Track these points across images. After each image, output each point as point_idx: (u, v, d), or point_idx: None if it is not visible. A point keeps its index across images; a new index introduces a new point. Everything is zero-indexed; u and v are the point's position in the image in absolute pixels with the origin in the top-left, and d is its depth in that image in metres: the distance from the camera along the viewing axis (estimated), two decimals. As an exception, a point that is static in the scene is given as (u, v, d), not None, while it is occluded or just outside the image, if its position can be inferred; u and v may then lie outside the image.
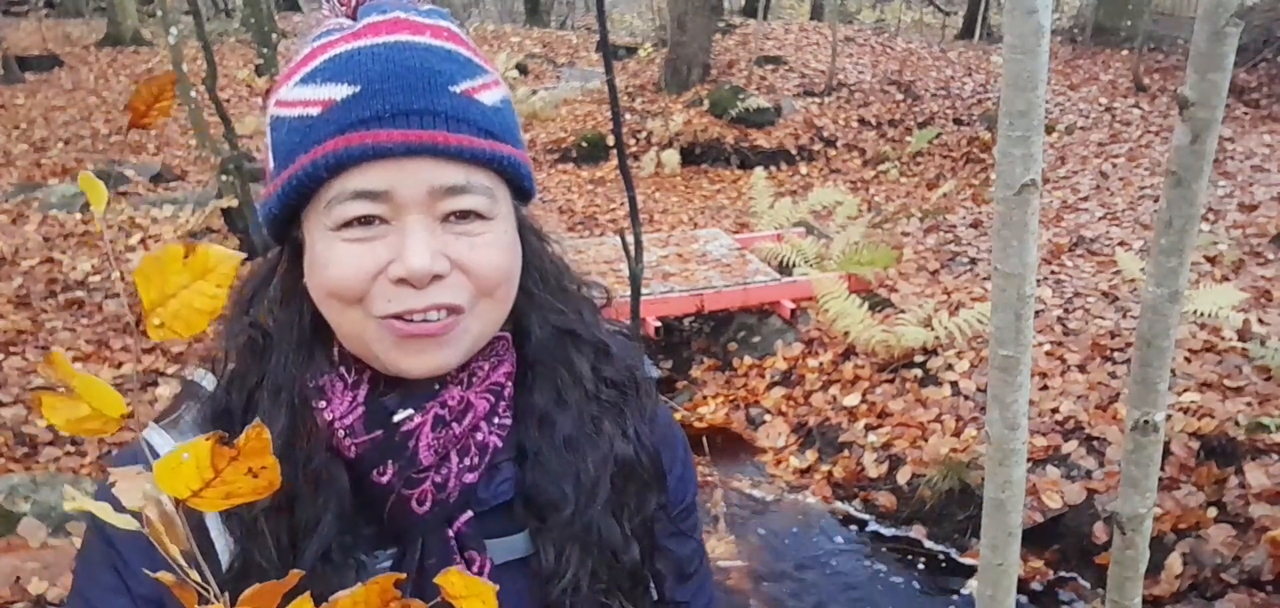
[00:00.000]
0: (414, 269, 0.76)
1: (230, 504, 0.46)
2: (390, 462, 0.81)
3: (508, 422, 0.87)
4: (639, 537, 0.90)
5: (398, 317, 0.78)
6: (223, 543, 0.81)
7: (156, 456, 0.82)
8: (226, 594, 0.82)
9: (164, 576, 0.45)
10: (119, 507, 0.48)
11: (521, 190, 0.85)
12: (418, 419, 0.81)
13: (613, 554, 0.88)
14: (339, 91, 0.76)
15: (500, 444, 0.86)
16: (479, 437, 0.84)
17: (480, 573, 0.83)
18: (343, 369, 0.83)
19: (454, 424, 0.82)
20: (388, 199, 0.76)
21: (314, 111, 0.77)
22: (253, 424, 0.44)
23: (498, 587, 0.51)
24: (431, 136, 0.76)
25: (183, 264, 0.48)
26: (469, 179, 0.78)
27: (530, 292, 0.88)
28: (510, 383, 0.88)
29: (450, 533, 0.83)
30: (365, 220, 0.77)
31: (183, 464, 0.44)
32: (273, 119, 0.82)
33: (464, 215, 0.78)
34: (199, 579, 0.46)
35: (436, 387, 0.83)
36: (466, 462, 0.83)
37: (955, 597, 3.67)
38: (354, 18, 0.82)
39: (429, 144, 0.76)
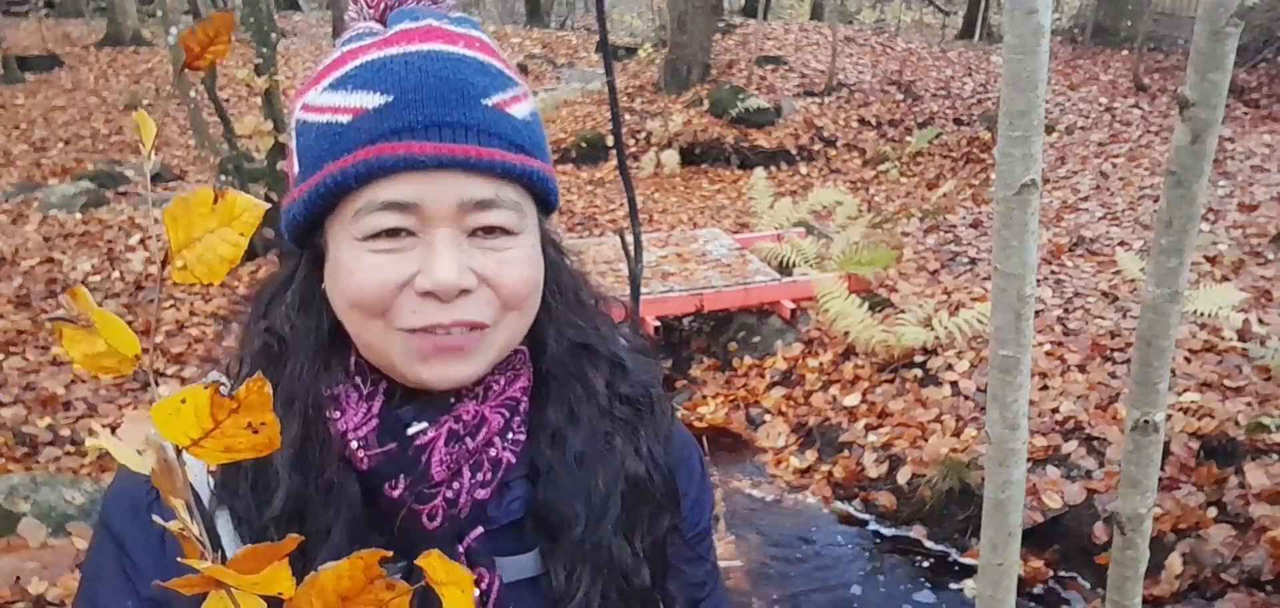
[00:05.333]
0: (442, 283, 0.75)
1: (229, 458, 0.46)
2: (402, 476, 0.80)
3: (522, 438, 0.86)
4: (650, 559, 0.89)
5: (422, 331, 0.77)
6: (233, 550, 0.80)
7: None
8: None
9: (173, 525, 0.45)
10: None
11: (546, 204, 0.85)
12: (431, 433, 0.80)
13: (623, 576, 0.86)
14: (371, 100, 0.75)
15: (514, 461, 0.85)
16: (492, 452, 0.83)
17: (489, 591, 0.82)
18: (358, 379, 0.83)
19: (468, 439, 0.82)
20: (417, 212, 0.76)
21: (344, 119, 0.76)
22: (253, 377, 0.44)
23: (471, 573, 0.50)
24: (464, 150, 0.75)
25: (211, 209, 0.49)
26: (498, 193, 0.77)
27: (548, 304, 0.87)
28: (526, 398, 0.87)
29: (460, 549, 0.82)
30: (393, 232, 0.76)
31: (181, 410, 0.43)
32: (299, 123, 0.81)
33: (491, 230, 0.78)
34: (198, 535, 0.46)
35: (451, 401, 0.82)
36: (479, 477, 0.82)
37: (955, 597, 3.67)
38: (383, 23, 0.81)
39: (461, 157, 0.75)
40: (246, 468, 0.78)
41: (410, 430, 0.80)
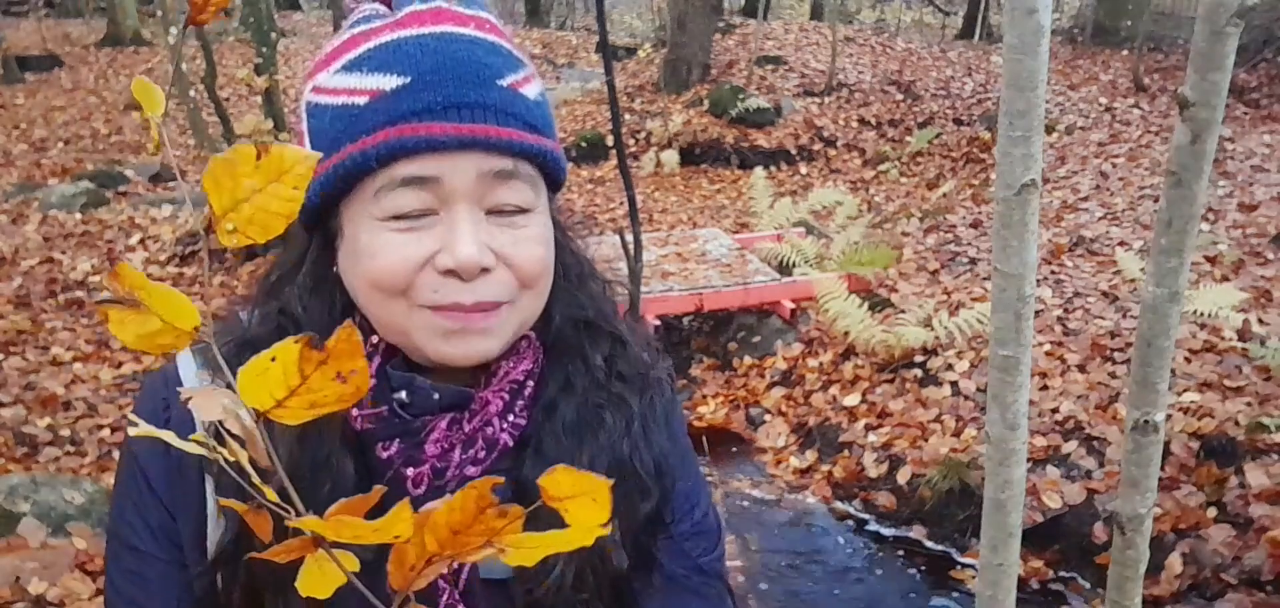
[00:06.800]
0: (463, 260, 0.76)
1: (314, 414, 0.43)
2: (397, 440, 0.82)
3: (522, 422, 0.86)
4: (627, 544, 0.88)
5: (443, 311, 0.78)
6: (212, 526, 0.82)
7: (180, 381, 0.84)
8: (218, 572, 0.82)
9: (236, 504, 0.44)
10: (151, 419, 0.46)
11: (555, 183, 0.86)
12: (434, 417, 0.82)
13: (599, 559, 0.86)
14: (387, 81, 0.76)
15: (511, 443, 0.85)
16: (489, 432, 0.84)
17: (462, 568, 0.83)
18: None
19: (465, 422, 0.83)
20: (437, 190, 0.76)
21: (361, 100, 0.77)
22: (344, 324, 0.42)
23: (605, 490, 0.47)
24: (484, 130, 0.76)
25: (255, 166, 0.44)
26: (516, 170, 0.79)
27: (554, 281, 0.88)
28: (530, 381, 0.87)
29: None
30: (413, 212, 0.77)
31: (268, 370, 0.41)
32: (311, 105, 0.81)
33: (507, 209, 0.79)
34: (277, 500, 0.44)
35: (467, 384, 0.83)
36: (470, 454, 0.83)
37: (955, 597, 3.67)
38: (389, 5, 0.81)
39: (481, 137, 0.76)
40: None
41: (416, 421, 0.82)
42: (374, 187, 0.77)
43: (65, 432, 4.38)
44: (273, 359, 0.41)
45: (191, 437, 0.44)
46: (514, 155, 0.78)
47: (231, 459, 0.43)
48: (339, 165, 0.77)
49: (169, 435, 0.45)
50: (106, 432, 4.37)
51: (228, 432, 0.43)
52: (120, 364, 5.03)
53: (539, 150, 0.80)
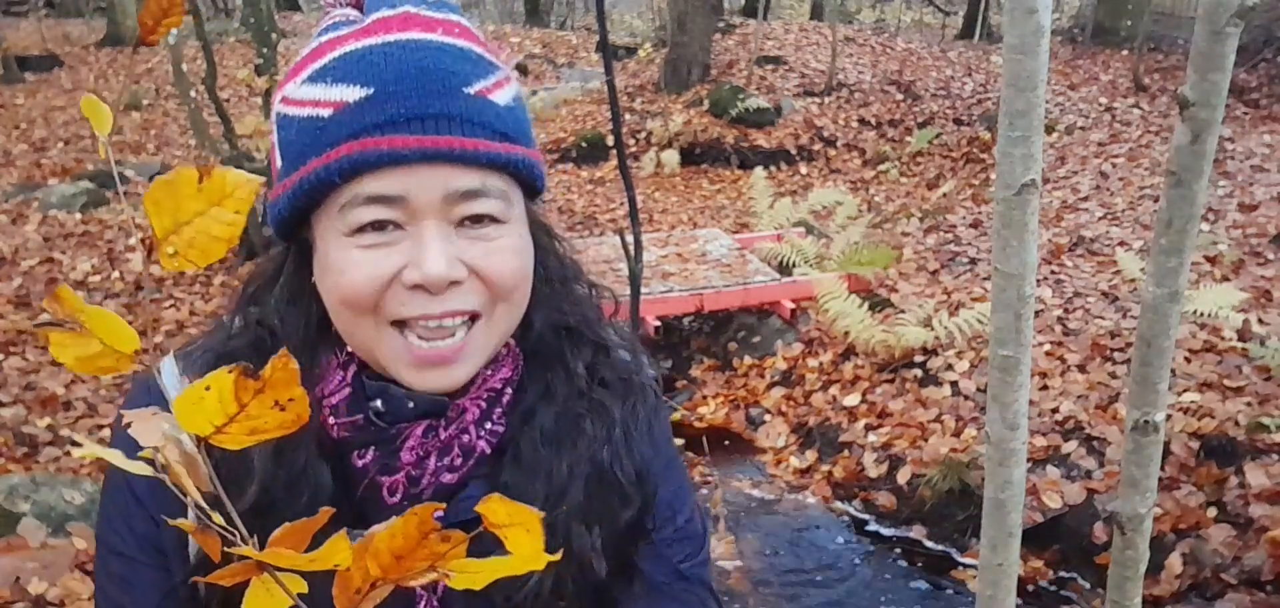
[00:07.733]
0: (431, 276, 0.75)
1: (255, 441, 0.44)
2: (372, 448, 0.81)
3: (500, 429, 0.85)
4: (609, 551, 0.87)
5: (414, 322, 0.77)
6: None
7: (161, 390, 0.84)
8: (203, 585, 0.82)
9: (183, 523, 0.44)
10: (134, 448, 0.45)
11: (532, 189, 0.84)
12: (408, 424, 0.82)
13: (579, 567, 0.85)
14: (351, 93, 0.75)
15: (488, 450, 0.84)
16: (465, 439, 0.83)
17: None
18: (337, 348, 0.83)
19: (441, 429, 0.82)
20: (402, 204, 0.75)
21: (325, 113, 0.75)
22: (279, 353, 0.42)
23: (542, 515, 0.47)
24: (447, 142, 0.74)
25: (197, 189, 0.45)
26: (485, 183, 0.77)
27: (536, 287, 0.87)
28: (508, 389, 0.86)
29: None
30: (379, 225, 0.75)
31: (204, 398, 0.41)
32: (280, 117, 0.80)
33: (478, 220, 0.78)
34: (222, 522, 0.44)
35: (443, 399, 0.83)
36: (446, 461, 0.83)
37: (955, 597, 3.67)
38: (360, 10, 0.80)
39: (445, 150, 0.74)
40: (218, 458, 0.80)
41: (392, 429, 0.81)
42: (339, 202, 0.75)
43: (65, 432, 4.39)
44: (207, 388, 0.41)
45: (140, 454, 0.44)
46: (481, 167, 0.76)
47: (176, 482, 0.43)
48: (304, 179, 0.76)
49: (115, 455, 0.44)
50: (107, 432, 4.37)
51: (167, 458, 0.43)
52: (120, 364, 5.03)
53: (509, 160, 0.78)
